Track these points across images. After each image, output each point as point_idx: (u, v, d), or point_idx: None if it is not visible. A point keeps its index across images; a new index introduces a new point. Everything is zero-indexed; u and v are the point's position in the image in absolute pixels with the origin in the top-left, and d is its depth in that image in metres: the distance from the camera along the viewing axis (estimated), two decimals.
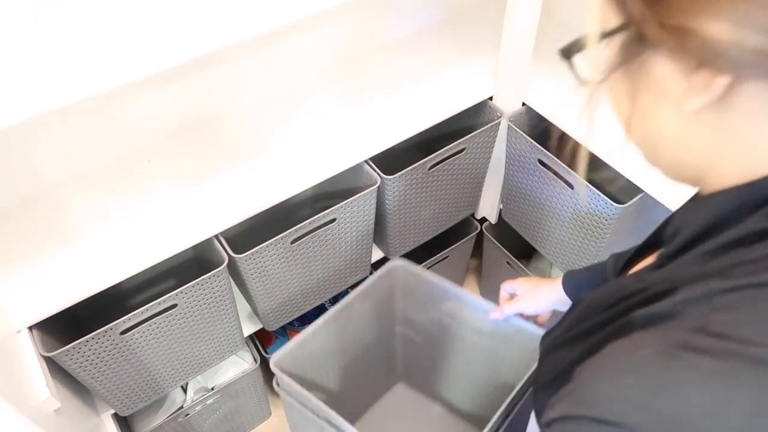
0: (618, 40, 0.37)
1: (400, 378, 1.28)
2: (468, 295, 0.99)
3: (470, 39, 1.26)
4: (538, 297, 0.87)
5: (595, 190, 1.04)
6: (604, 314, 0.44)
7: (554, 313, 0.91)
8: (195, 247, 0.98)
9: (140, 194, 0.99)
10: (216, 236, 0.98)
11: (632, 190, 1.03)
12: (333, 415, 0.82)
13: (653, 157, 0.42)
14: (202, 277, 0.95)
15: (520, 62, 1.09)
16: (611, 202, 1.03)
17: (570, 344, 0.47)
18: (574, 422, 0.36)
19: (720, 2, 0.32)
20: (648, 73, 0.37)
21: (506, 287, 0.92)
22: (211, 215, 0.96)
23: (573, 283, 0.81)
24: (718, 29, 0.32)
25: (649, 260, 0.51)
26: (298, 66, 1.17)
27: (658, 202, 0.98)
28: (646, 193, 1.01)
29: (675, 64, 0.35)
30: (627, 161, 1.01)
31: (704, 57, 0.33)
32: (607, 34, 0.37)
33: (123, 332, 0.92)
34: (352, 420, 1.21)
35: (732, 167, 0.38)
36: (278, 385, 0.95)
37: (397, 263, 1.02)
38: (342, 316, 1.00)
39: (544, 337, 0.55)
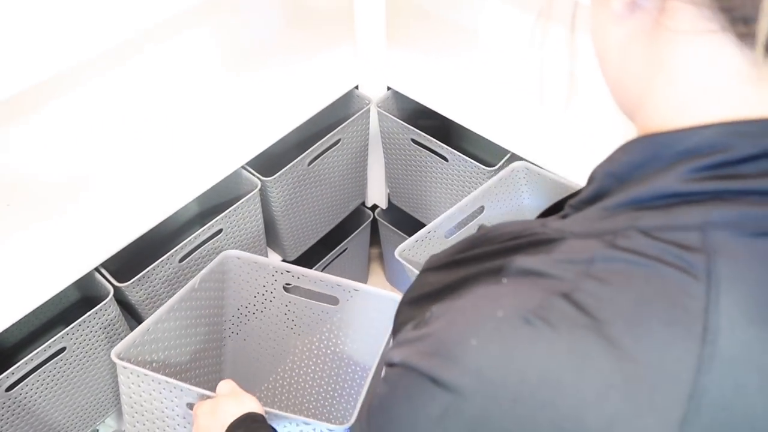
0: None
1: None
2: None
3: (326, 32, 1.28)
4: None
5: (466, 157, 1.10)
6: (490, 247, 0.40)
7: None
8: (78, 286, 0.93)
9: (2, 239, 0.92)
10: (96, 269, 0.94)
11: (502, 152, 1.09)
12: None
13: (603, 71, 0.38)
14: (89, 313, 0.90)
15: (376, 48, 1.13)
16: (481, 165, 1.08)
17: (449, 268, 0.43)
18: (413, 376, 0.33)
19: None
20: None
21: None
22: (85, 248, 0.91)
23: None
24: None
25: None
26: (159, 81, 1.14)
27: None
28: (513, 153, 1.07)
29: None
30: (489, 125, 1.07)
31: None
32: None
33: (9, 388, 0.86)
34: None
35: (660, 108, 0.34)
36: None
37: None
38: None
39: (431, 257, 0.51)
